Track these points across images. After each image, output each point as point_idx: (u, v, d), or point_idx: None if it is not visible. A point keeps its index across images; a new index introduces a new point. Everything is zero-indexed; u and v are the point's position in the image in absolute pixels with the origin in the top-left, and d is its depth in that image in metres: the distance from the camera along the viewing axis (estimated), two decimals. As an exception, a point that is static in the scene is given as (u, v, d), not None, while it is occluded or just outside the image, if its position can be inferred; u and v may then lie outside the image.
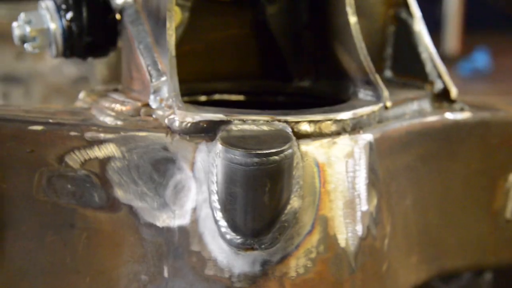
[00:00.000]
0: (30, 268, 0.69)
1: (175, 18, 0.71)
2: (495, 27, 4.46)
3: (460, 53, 4.20)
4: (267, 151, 0.59)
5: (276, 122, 0.65)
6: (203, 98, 0.81)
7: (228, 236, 0.64)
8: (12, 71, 1.76)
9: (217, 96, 0.83)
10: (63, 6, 0.74)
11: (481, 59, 4.05)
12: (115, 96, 0.74)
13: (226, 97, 0.83)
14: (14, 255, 0.68)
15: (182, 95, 0.67)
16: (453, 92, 0.79)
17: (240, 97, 0.84)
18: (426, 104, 0.78)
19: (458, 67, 3.95)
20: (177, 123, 0.65)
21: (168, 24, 0.67)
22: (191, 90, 0.77)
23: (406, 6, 0.83)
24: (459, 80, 4.03)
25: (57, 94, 1.74)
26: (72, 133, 0.66)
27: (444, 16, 4.30)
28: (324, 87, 0.83)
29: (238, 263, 0.64)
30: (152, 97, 0.69)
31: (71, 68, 1.72)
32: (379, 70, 0.85)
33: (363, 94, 0.76)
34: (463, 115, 0.78)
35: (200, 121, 0.65)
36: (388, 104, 0.73)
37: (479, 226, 0.81)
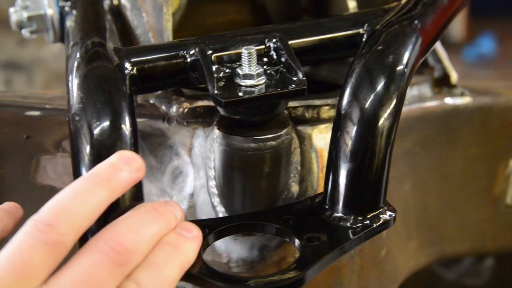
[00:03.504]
0: (29, 253, 0.69)
1: (172, 3, 0.70)
2: (501, 13, 4.43)
3: (466, 38, 4.17)
4: (264, 136, 0.59)
5: None
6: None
7: (226, 222, 0.64)
8: (14, 58, 1.76)
9: None
10: (61, -8, 0.73)
11: (486, 44, 4.02)
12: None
13: None
14: (13, 241, 0.69)
15: None
16: (453, 77, 0.78)
17: None
18: (426, 89, 0.77)
19: (463, 52, 3.93)
20: (174, 109, 0.65)
21: (165, 9, 0.67)
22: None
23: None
24: (464, 65, 4.01)
25: (58, 80, 1.74)
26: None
27: (449, 2, 4.26)
28: (324, 72, 0.83)
29: (236, 248, 0.64)
30: (149, 82, 0.68)
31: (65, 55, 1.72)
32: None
33: (363, 79, 0.75)
34: (463, 100, 0.77)
35: (197, 107, 0.64)
36: (387, 89, 0.72)
37: (479, 211, 0.81)
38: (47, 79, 1.76)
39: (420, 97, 0.76)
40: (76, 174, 0.52)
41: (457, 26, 4.25)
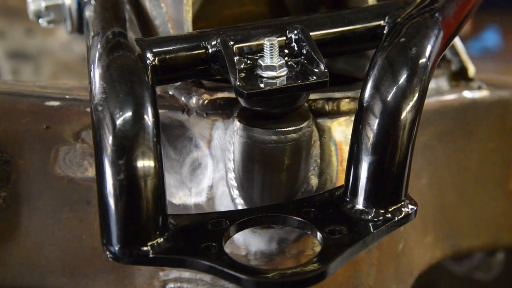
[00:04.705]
0: (47, 243, 0.69)
1: (191, -7, 0.70)
2: (506, 6, 4.42)
3: (470, 32, 4.16)
4: (285, 129, 0.59)
5: None
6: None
7: (245, 214, 0.64)
8: (22, 48, 1.75)
9: None
10: (78, -19, 0.73)
11: (491, 38, 4.01)
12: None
13: None
14: (31, 230, 0.69)
15: None
16: (471, 70, 0.78)
17: None
18: (443, 83, 0.77)
19: (467, 46, 3.92)
20: (194, 100, 0.65)
21: (185, 0, 0.66)
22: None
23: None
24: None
25: (66, 71, 1.73)
26: (89, 110, 0.65)
27: (454, -5, 4.25)
28: (341, 64, 0.82)
29: (255, 241, 0.64)
30: (168, 73, 0.68)
31: (80, 45, 1.71)
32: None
33: (380, 72, 0.75)
34: (481, 94, 0.77)
35: (217, 98, 0.64)
36: (406, 82, 0.72)
37: (495, 205, 0.81)
38: (54, 69, 1.76)
39: (437, 91, 0.76)
40: (98, 164, 0.52)
41: (462, 19, 4.23)
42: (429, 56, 0.58)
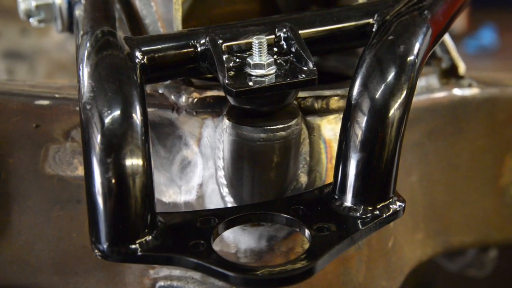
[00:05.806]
0: (37, 242, 0.69)
1: (181, -8, 0.70)
2: (502, 5, 4.42)
3: (467, 30, 4.17)
4: (274, 127, 0.59)
5: None
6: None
7: (234, 212, 0.64)
8: (17, 47, 1.75)
9: None
10: (68, -20, 0.73)
11: (487, 36, 4.02)
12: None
13: None
14: (21, 229, 0.69)
15: None
16: (461, 68, 0.78)
17: None
18: (433, 80, 0.77)
19: (464, 44, 3.92)
20: (183, 99, 0.65)
21: (174, -1, 0.67)
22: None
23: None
24: (465, 57, 4.00)
25: (61, 70, 1.73)
26: (78, 108, 0.66)
27: (450, -7, 4.25)
28: (332, 62, 0.82)
29: (245, 239, 0.64)
30: (158, 72, 0.68)
31: (75, 44, 1.71)
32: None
33: (371, 70, 0.75)
34: (471, 91, 0.77)
35: (206, 97, 0.64)
36: (396, 80, 0.72)
37: (485, 202, 0.81)
38: (49, 69, 1.76)
39: (428, 88, 0.76)
40: (87, 163, 0.52)
41: (458, 18, 4.24)
42: (417, 53, 0.58)
